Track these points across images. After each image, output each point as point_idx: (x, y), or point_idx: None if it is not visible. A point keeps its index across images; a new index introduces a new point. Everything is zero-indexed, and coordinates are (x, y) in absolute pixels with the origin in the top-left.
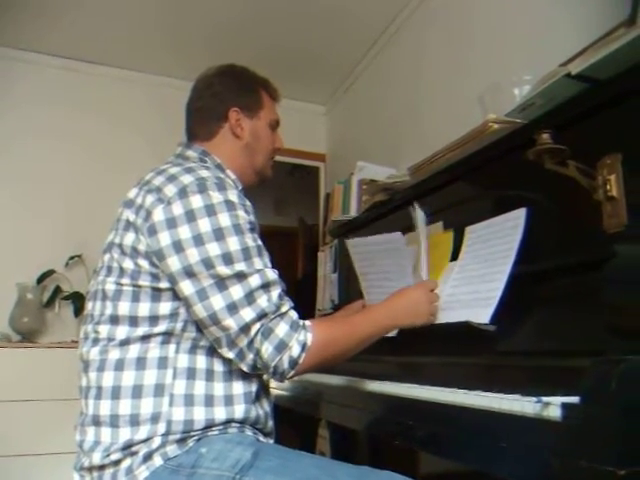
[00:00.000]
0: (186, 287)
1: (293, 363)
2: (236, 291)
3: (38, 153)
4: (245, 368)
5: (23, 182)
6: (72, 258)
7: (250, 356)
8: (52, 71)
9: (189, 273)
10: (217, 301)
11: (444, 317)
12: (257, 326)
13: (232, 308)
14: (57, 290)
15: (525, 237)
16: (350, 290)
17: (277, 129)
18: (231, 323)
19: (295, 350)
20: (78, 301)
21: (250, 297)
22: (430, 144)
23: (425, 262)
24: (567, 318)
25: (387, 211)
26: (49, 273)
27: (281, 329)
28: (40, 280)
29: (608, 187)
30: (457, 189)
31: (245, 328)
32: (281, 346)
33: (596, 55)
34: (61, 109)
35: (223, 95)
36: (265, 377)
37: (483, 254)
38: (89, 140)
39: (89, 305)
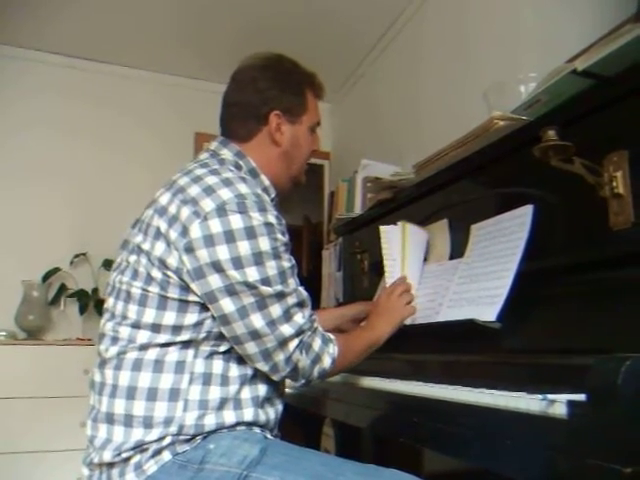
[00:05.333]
0: (226, 305)
1: (323, 374)
2: (275, 309)
3: (43, 151)
4: (275, 378)
5: (28, 180)
6: (77, 256)
7: (287, 369)
8: (58, 69)
9: (231, 291)
10: (257, 319)
11: (450, 315)
12: (295, 342)
13: (272, 325)
14: (62, 288)
15: (530, 234)
16: (355, 288)
17: (316, 130)
18: (271, 338)
19: (326, 362)
20: (83, 299)
21: (287, 314)
22: (434, 142)
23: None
24: (573, 316)
25: (391, 209)
26: (54, 271)
27: (316, 344)
28: (45, 278)
29: (614, 184)
30: (462, 186)
31: (283, 343)
32: (316, 360)
33: (602, 52)
34: (65, 107)
35: (266, 94)
36: (292, 383)
37: (489, 251)
38: (95, 138)
39: (110, 301)
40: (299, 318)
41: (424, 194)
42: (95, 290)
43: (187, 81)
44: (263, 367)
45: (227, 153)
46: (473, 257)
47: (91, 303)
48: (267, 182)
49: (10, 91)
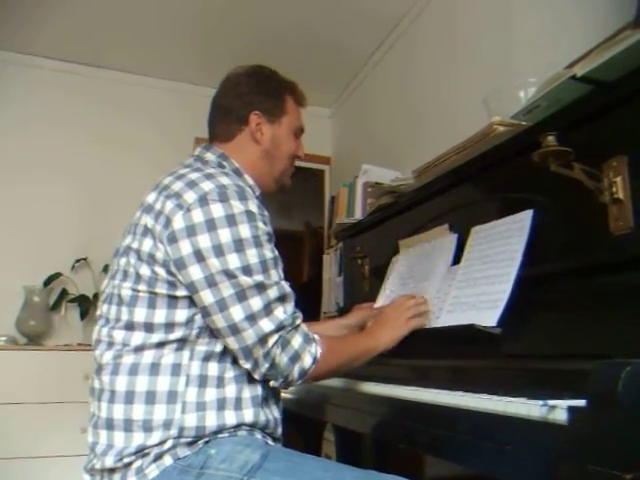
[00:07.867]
0: (206, 296)
1: (303, 373)
2: (255, 302)
3: (43, 156)
4: (257, 376)
5: (29, 186)
6: (78, 261)
7: (265, 365)
8: (55, 74)
9: (210, 282)
10: (237, 312)
11: (450, 319)
12: (275, 337)
13: (251, 319)
14: (63, 293)
15: (530, 239)
16: (355, 293)
17: (300, 136)
18: (250, 334)
19: (307, 362)
20: (84, 304)
21: (268, 308)
22: (433, 147)
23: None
24: (573, 321)
25: (392, 214)
26: (55, 276)
27: (296, 341)
28: (47, 283)
29: (614, 189)
30: (462, 192)
31: (263, 339)
32: (295, 357)
33: (601, 57)
34: (64, 112)
35: (247, 97)
36: (271, 384)
37: (488, 255)
38: (97, 144)
39: (104, 307)
40: (280, 313)
41: (424, 199)
42: (96, 295)
43: (189, 87)
44: (246, 365)
45: (211, 156)
46: (472, 261)
47: (92, 308)
48: (251, 181)
49: (5, 95)
